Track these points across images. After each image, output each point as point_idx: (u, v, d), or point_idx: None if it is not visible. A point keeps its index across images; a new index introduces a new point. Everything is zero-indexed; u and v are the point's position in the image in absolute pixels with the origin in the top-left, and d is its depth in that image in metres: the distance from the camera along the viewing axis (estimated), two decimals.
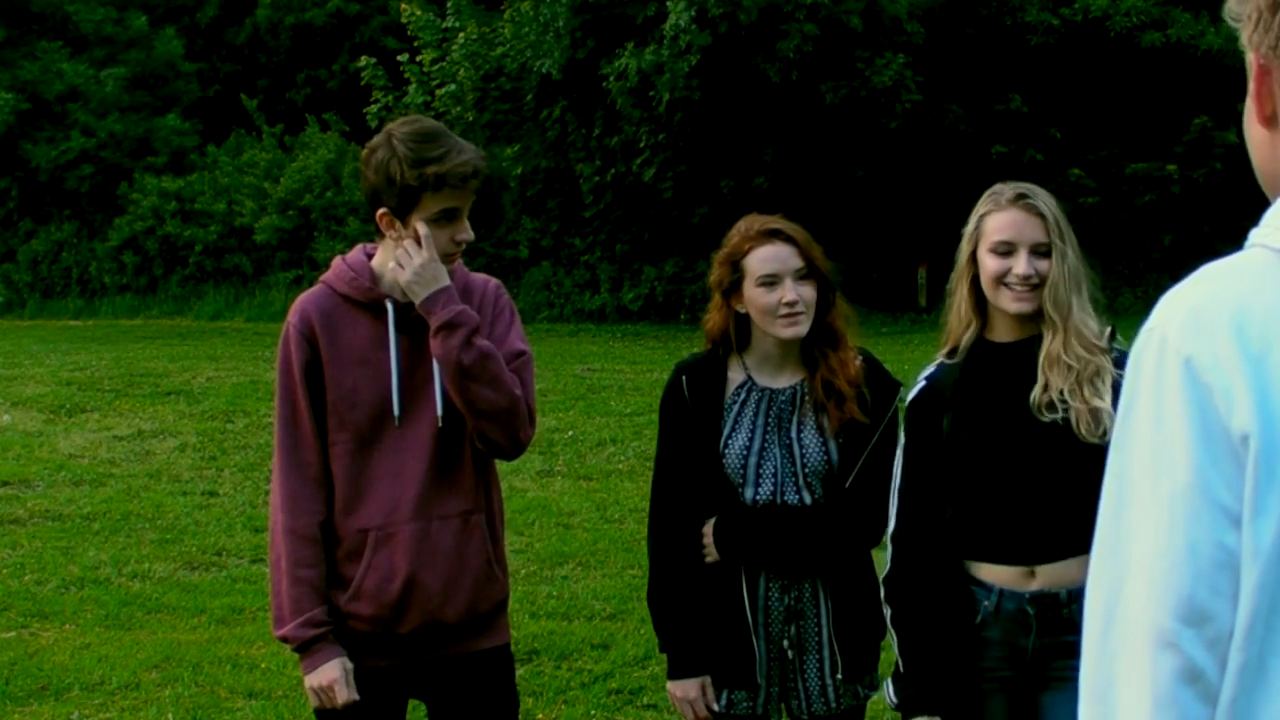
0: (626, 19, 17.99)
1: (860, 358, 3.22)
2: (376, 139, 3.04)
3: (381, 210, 2.99)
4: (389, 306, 3.02)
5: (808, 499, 3.14)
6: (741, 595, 3.16)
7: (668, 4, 17.24)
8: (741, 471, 3.15)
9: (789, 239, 3.15)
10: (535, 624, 6.27)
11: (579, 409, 11.68)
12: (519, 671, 5.59)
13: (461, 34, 20.54)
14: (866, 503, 3.14)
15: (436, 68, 20.83)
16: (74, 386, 13.28)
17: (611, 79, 17.82)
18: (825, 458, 3.14)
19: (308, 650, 2.99)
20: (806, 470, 3.14)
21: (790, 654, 3.17)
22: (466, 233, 3.04)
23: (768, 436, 3.15)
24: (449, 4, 21.30)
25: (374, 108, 21.51)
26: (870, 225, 19.01)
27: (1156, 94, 19.07)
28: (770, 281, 3.11)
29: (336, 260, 3.16)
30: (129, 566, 7.41)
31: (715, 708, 3.21)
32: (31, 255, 24.81)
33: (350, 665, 2.99)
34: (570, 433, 10.65)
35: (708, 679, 3.20)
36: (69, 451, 10.39)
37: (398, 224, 2.99)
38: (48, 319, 23.78)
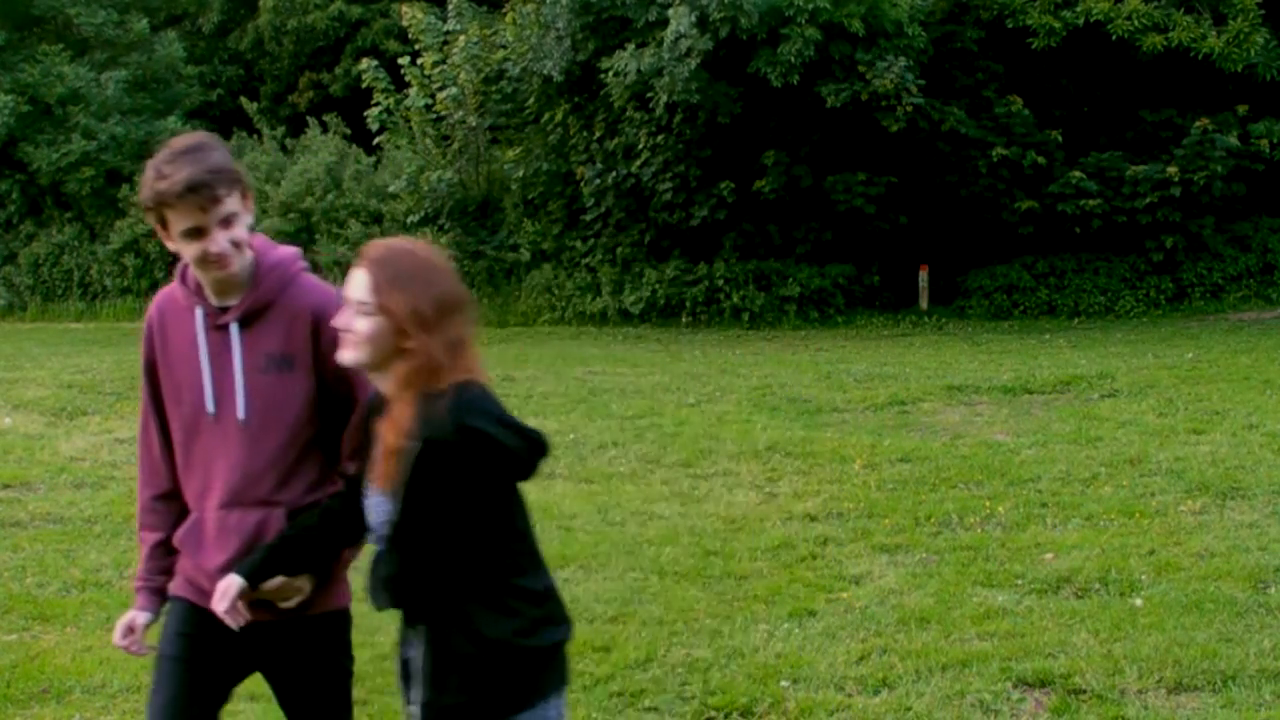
0: (628, 22, 18.01)
1: (439, 401, 2.89)
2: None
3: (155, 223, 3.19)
4: (198, 311, 3.25)
5: (381, 549, 3.02)
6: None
7: (669, 11, 17.24)
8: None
9: (365, 265, 2.95)
10: None
11: (580, 411, 11.67)
12: None
13: (463, 37, 20.57)
14: (407, 561, 2.96)
15: (438, 70, 20.86)
16: (75, 389, 13.29)
17: (610, 76, 17.82)
18: (386, 509, 2.98)
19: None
20: (379, 521, 3.01)
21: (414, 709, 3.01)
22: (216, 244, 3.09)
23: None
24: (450, 7, 21.33)
25: (375, 111, 21.53)
26: (871, 228, 19.01)
27: (1157, 97, 19.08)
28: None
29: None
30: (130, 569, 7.37)
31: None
32: (33, 258, 24.81)
33: (143, 621, 3.46)
34: (571, 435, 10.63)
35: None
36: (70, 454, 10.39)
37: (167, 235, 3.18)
38: (49, 322, 23.79)
